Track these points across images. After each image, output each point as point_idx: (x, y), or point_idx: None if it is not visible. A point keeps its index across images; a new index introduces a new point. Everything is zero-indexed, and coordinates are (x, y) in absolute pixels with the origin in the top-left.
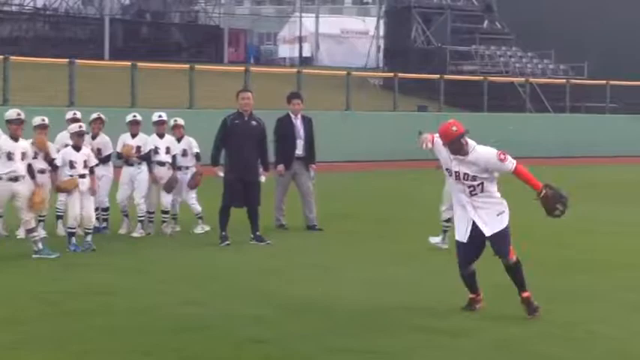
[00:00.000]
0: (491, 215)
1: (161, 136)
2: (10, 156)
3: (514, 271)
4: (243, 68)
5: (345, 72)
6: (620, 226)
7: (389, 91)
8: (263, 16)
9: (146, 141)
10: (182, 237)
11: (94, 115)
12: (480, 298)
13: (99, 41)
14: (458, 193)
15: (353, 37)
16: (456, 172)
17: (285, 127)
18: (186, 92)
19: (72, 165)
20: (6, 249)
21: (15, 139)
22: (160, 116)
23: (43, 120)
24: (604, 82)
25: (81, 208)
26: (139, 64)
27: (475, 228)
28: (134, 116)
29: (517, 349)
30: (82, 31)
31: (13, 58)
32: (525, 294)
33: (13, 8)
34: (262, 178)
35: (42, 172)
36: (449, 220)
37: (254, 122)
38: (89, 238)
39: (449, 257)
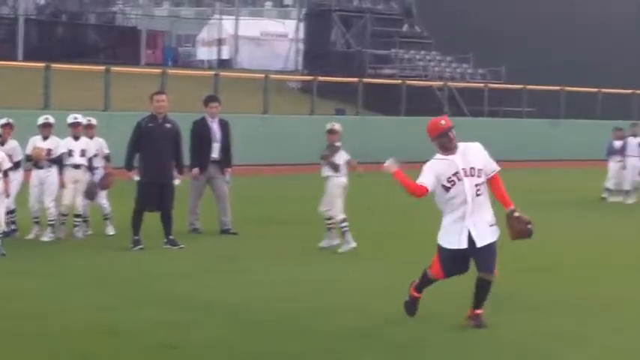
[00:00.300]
0: (485, 225)
1: (76, 138)
2: None
3: (485, 289)
4: (160, 70)
5: (263, 75)
6: None
7: (308, 94)
8: (182, 17)
9: (58, 144)
10: (94, 240)
11: (3, 121)
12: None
13: (12, 41)
14: (459, 201)
15: (273, 39)
16: (463, 169)
17: (201, 130)
18: (101, 94)
19: None
20: None
21: None
22: (75, 118)
23: None
24: (521, 86)
25: None
26: (54, 65)
27: (470, 239)
28: (46, 119)
29: (419, 352)
30: None
31: None
32: (480, 311)
33: None
34: (176, 181)
35: None
36: (344, 220)
37: (168, 125)
38: None
39: (358, 259)
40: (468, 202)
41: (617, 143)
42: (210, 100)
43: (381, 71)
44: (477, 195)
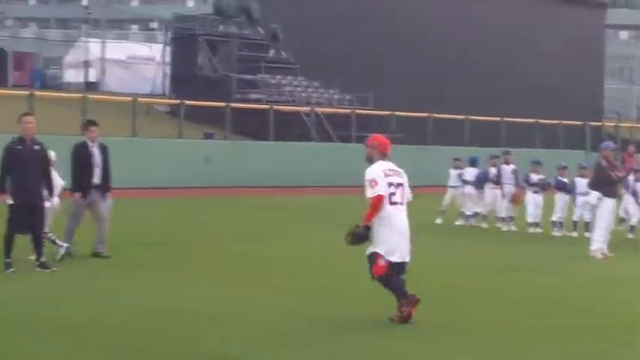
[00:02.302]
0: None
1: None
2: None
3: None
4: (27, 92)
5: (131, 98)
6: None
7: (176, 118)
8: (49, 40)
9: None
10: None
11: None
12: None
13: None
14: None
15: (139, 63)
16: None
17: (82, 154)
18: None
19: None
20: None
21: None
22: None
23: None
24: (389, 112)
25: None
26: None
27: None
28: None
29: None
30: None
31: None
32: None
33: None
34: (47, 204)
35: None
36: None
37: (36, 146)
38: None
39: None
40: None
41: (493, 170)
42: (89, 124)
43: (247, 96)
44: None
